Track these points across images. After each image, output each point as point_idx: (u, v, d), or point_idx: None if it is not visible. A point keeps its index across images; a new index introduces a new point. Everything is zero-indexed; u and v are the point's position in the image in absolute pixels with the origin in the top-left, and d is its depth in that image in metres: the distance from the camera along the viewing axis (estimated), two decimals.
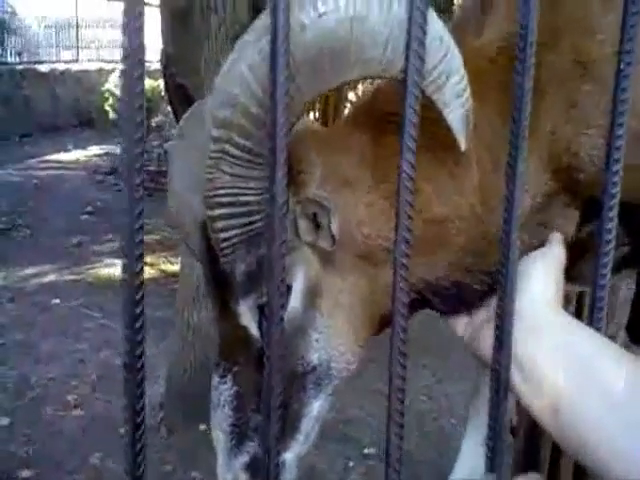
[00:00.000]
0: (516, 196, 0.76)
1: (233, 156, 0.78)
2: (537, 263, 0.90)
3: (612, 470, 0.69)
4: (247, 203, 0.81)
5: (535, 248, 1.02)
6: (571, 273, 1.08)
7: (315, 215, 0.86)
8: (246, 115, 0.75)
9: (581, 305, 2.57)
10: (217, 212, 0.81)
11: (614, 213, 0.80)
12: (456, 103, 0.76)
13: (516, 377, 0.79)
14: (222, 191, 0.80)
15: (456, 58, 0.75)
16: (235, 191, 0.80)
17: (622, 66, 0.76)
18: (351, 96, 6.12)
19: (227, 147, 0.77)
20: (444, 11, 4.21)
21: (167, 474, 2.67)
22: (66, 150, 9.33)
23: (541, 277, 0.88)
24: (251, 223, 0.82)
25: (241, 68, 0.74)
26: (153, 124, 8.37)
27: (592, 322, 0.84)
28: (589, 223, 1.01)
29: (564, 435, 0.75)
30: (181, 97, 3.09)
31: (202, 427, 2.84)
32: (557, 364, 0.78)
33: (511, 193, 0.76)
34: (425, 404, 3.08)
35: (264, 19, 0.72)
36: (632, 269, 1.23)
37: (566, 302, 1.02)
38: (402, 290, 0.74)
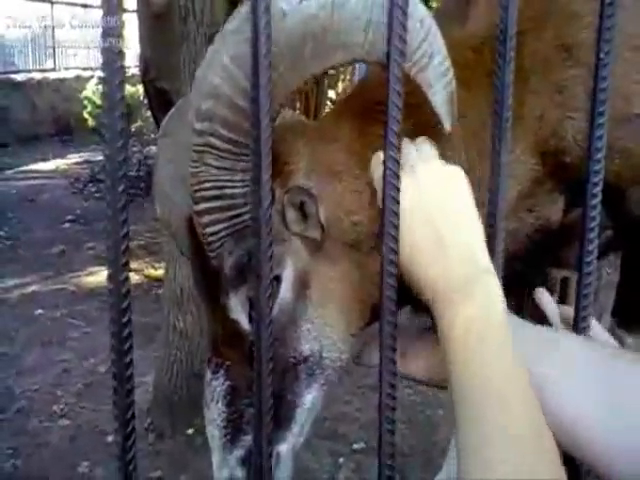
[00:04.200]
0: (501, 188, 0.77)
1: (218, 148, 0.77)
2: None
3: None
4: (233, 196, 0.80)
5: (524, 238, 1.03)
6: (558, 258, 1.09)
7: (302, 204, 0.86)
8: (230, 106, 0.75)
9: (565, 291, 2.57)
10: (203, 206, 0.81)
11: (597, 201, 0.81)
12: (440, 84, 0.76)
13: None
14: (207, 184, 0.79)
15: (438, 39, 0.75)
16: (221, 184, 0.79)
17: (601, 55, 0.77)
18: (331, 94, 6.13)
19: (211, 140, 0.77)
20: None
21: None
22: (45, 159, 9.25)
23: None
24: (238, 216, 0.82)
25: (223, 58, 0.74)
26: (133, 129, 8.31)
27: (579, 309, 0.85)
28: (574, 208, 1.02)
29: None
30: (161, 101, 3.08)
31: (190, 431, 2.82)
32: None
33: (496, 184, 0.77)
34: (412, 396, 3.08)
35: (245, 7, 0.72)
36: (617, 252, 1.24)
37: (550, 288, 1.02)
38: (391, 287, 0.74)
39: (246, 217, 0.82)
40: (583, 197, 0.82)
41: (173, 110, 1.00)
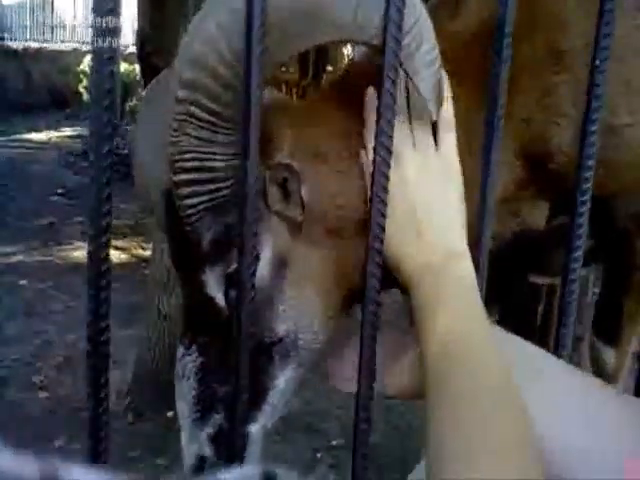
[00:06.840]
0: (489, 186, 0.77)
1: (199, 118, 0.75)
2: None
3: None
4: (213, 169, 0.78)
5: (506, 238, 1.04)
6: (541, 265, 1.10)
7: (285, 181, 0.84)
8: (213, 76, 0.73)
9: (551, 302, 2.60)
10: (182, 177, 0.79)
11: (585, 208, 0.81)
12: (427, 72, 0.75)
13: None
14: (187, 155, 0.77)
15: (427, 26, 0.74)
16: (200, 156, 0.77)
17: (597, 62, 0.77)
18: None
19: (192, 109, 0.75)
20: None
21: (133, 459, 2.64)
22: (38, 130, 9.17)
23: None
24: (217, 190, 0.80)
25: (210, 26, 0.72)
26: (127, 108, 8.24)
27: (562, 315, 0.85)
28: (559, 215, 1.02)
29: None
30: None
31: (169, 414, 2.81)
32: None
33: (485, 182, 0.77)
34: (392, 399, 3.09)
35: None
36: (598, 264, 1.25)
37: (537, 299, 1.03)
38: (374, 276, 0.74)
39: (226, 192, 0.80)
40: (572, 204, 0.82)
41: (157, 79, 0.97)
